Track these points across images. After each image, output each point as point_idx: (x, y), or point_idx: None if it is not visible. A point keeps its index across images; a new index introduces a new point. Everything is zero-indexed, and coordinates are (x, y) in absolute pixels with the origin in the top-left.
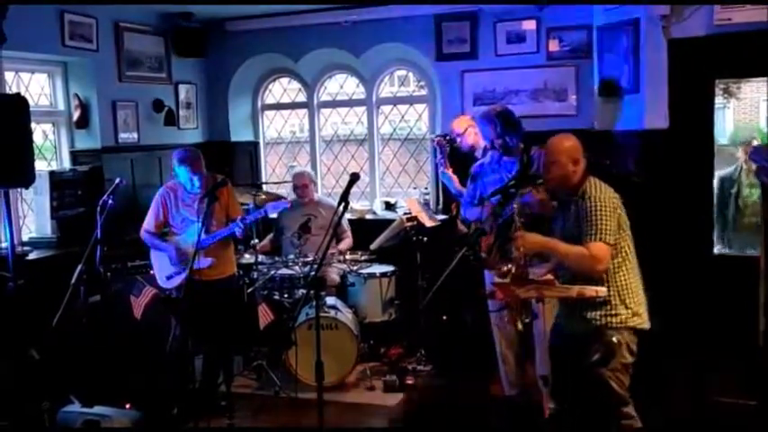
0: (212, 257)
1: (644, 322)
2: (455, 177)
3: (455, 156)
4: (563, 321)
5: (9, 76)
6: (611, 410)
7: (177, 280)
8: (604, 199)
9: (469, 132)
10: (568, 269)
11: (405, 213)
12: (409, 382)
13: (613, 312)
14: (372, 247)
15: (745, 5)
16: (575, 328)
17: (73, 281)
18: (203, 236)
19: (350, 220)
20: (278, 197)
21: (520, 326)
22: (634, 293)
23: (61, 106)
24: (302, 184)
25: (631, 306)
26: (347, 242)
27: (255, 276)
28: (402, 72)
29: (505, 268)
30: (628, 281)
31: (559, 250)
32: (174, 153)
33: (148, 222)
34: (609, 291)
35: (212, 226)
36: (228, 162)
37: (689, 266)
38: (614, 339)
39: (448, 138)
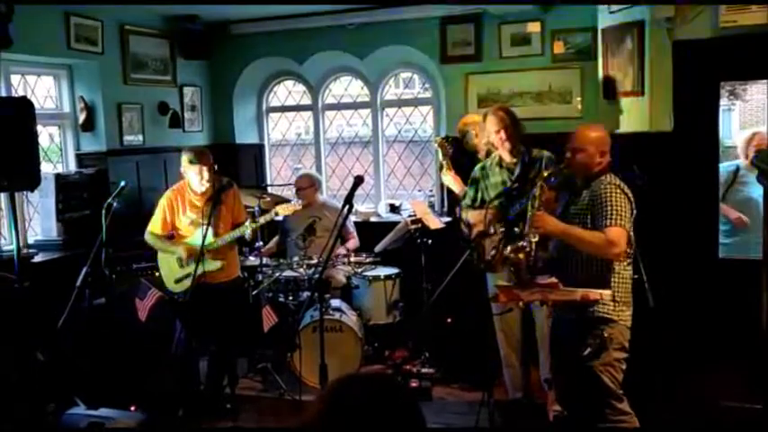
0: (221, 260)
1: (627, 320)
2: (458, 179)
3: (459, 157)
4: (558, 310)
5: (15, 79)
6: (605, 405)
7: (186, 283)
8: (621, 188)
9: (473, 133)
10: (581, 253)
11: (409, 216)
12: (413, 384)
13: (607, 307)
14: (377, 249)
15: (751, 7)
16: (569, 315)
17: (78, 283)
18: (212, 238)
19: (355, 223)
20: (282, 200)
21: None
22: (628, 286)
23: (67, 109)
24: (304, 187)
25: (619, 300)
26: (353, 242)
27: (260, 278)
28: (407, 74)
29: (520, 244)
30: (625, 274)
31: (575, 234)
32: (183, 150)
33: (154, 225)
34: (605, 281)
35: (219, 228)
36: (233, 164)
37: (693, 269)
38: (605, 334)
39: (450, 139)
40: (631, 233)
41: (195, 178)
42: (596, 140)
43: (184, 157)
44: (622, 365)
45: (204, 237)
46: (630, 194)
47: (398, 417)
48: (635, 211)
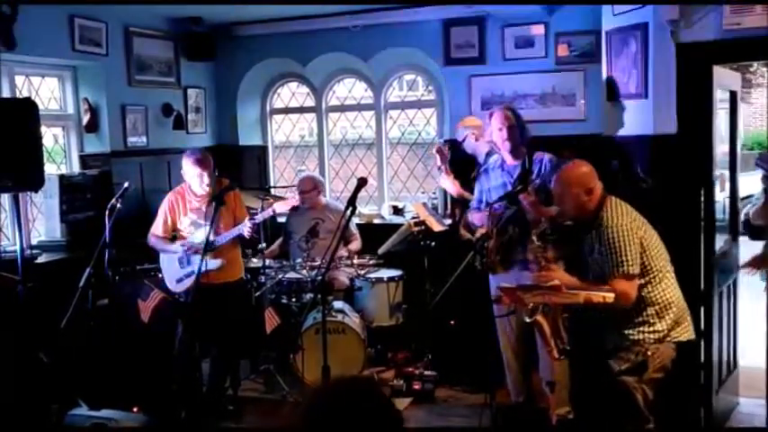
0: (221, 259)
1: (684, 333)
2: (456, 182)
3: (458, 159)
4: (602, 334)
5: (20, 80)
6: (629, 421)
7: (187, 283)
8: (622, 225)
9: (471, 136)
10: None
11: (412, 218)
12: (416, 387)
13: (651, 329)
14: (380, 251)
15: (755, 9)
16: (611, 343)
17: (81, 284)
18: (212, 238)
19: (358, 225)
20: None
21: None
22: (672, 306)
23: (71, 110)
24: (307, 190)
25: (669, 318)
26: (356, 244)
27: (263, 280)
28: (410, 76)
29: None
30: (665, 295)
31: (583, 297)
32: (185, 153)
33: (156, 227)
34: (646, 309)
35: (220, 229)
36: (237, 166)
37: (695, 271)
38: (648, 352)
39: (448, 144)
40: (661, 258)
41: (196, 181)
42: (577, 181)
43: (184, 159)
44: (657, 386)
45: (207, 237)
46: (634, 221)
47: (376, 420)
48: (641, 230)
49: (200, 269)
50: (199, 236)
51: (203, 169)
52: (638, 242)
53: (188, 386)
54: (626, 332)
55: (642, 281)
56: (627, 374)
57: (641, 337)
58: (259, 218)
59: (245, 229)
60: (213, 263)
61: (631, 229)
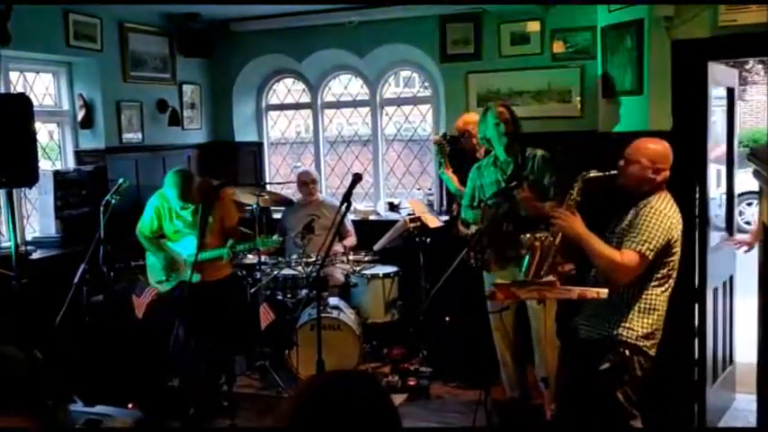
0: (201, 270)
1: (651, 348)
2: (454, 177)
3: (455, 156)
4: (583, 325)
5: (14, 75)
6: (616, 421)
7: (166, 286)
8: (664, 213)
9: (472, 131)
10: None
11: (408, 214)
12: (411, 383)
13: (627, 326)
14: (376, 247)
15: (750, 6)
16: (591, 334)
17: (76, 280)
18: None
19: (353, 221)
20: (281, 198)
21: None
22: (655, 313)
23: (66, 106)
24: (308, 182)
25: (646, 323)
26: (351, 240)
27: (258, 276)
28: (406, 73)
29: (539, 235)
30: (654, 301)
31: (593, 246)
32: (167, 174)
33: (143, 225)
34: (630, 304)
35: (206, 239)
36: (232, 162)
37: (689, 267)
38: (627, 353)
39: (448, 137)
40: (675, 268)
41: (175, 200)
42: (652, 154)
43: (165, 179)
44: (638, 385)
45: (198, 248)
46: (675, 220)
47: (371, 413)
48: (676, 231)
49: (190, 277)
50: (183, 245)
51: (181, 196)
52: (668, 239)
53: (183, 382)
54: (608, 326)
55: (647, 275)
56: (608, 372)
57: (617, 332)
58: (240, 248)
59: (225, 254)
60: (195, 276)
61: (669, 224)
